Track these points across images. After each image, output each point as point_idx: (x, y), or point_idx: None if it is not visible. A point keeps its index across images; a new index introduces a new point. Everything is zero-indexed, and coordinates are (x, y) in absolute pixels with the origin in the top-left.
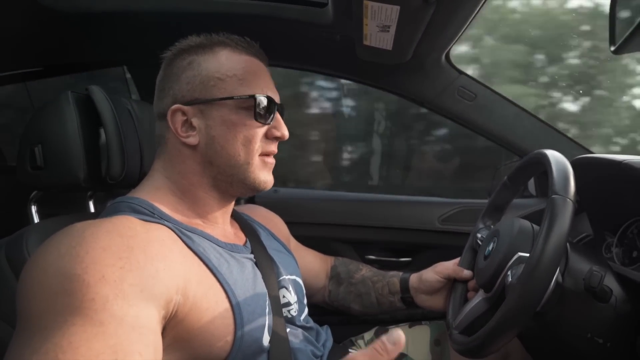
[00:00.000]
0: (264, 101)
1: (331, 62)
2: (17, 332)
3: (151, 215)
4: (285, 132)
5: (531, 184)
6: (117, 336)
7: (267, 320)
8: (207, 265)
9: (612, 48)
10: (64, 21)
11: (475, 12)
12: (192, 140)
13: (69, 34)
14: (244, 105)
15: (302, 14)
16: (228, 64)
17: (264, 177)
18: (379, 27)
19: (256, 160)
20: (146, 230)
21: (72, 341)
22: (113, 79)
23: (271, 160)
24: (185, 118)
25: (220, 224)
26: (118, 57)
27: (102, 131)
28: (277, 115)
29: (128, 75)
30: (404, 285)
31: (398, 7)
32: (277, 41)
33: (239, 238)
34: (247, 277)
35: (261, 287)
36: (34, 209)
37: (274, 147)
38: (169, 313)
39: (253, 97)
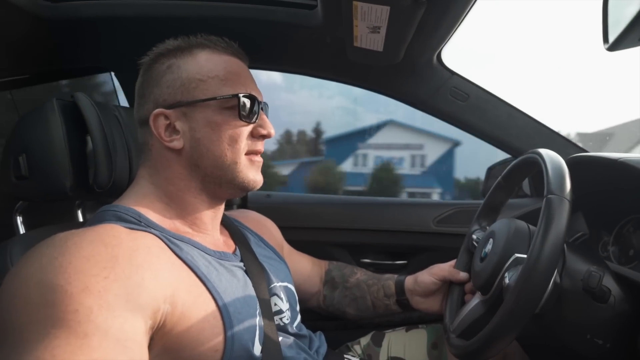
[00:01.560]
0: (247, 100)
1: (322, 64)
2: None
3: (138, 223)
4: (271, 130)
5: (525, 184)
6: (102, 349)
7: (258, 328)
8: (195, 274)
9: (606, 45)
10: (49, 28)
11: (466, 11)
12: (177, 144)
13: (55, 41)
14: (227, 105)
15: (291, 17)
16: (208, 65)
17: (253, 176)
18: (370, 29)
19: (243, 159)
20: (132, 238)
21: (55, 354)
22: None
23: (259, 159)
24: (168, 122)
25: (210, 232)
26: (105, 63)
27: (88, 139)
28: (262, 114)
29: (116, 82)
30: (400, 287)
31: (388, 8)
32: (267, 44)
33: (229, 246)
34: (236, 286)
35: (251, 295)
36: (19, 219)
37: (260, 146)
38: (157, 323)
39: (236, 97)
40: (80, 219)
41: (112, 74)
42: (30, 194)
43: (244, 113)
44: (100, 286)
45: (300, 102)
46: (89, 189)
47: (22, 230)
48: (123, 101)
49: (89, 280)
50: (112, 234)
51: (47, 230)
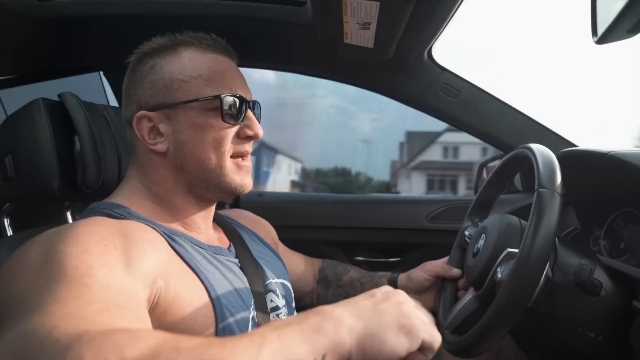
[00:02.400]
0: (231, 100)
1: (313, 62)
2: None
3: (127, 218)
4: (258, 130)
5: (517, 179)
6: (104, 297)
7: (252, 323)
8: (188, 265)
9: (595, 39)
10: (36, 27)
11: (456, 7)
12: (161, 147)
13: (43, 40)
14: (210, 106)
15: (281, 14)
16: (192, 65)
17: (240, 180)
18: (360, 25)
19: (228, 163)
20: (125, 222)
21: (58, 297)
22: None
23: (246, 163)
24: (151, 124)
25: (203, 229)
26: (94, 62)
27: (76, 139)
28: (249, 114)
29: (105, 81)
30: (393, 285)
31: (378, 3)
32: (257, 42)
33: (223, 242)
34: (231, 279)
35: (246, 289)
36: (6, 222)
37: (247, 147)
38: (152, 297)
39: (219, 98)
40: (70, 220)
41: (101, 73)
42: (17, 196)
43: (228, 114)
44: (100, 250)
45: None
46: (78, 190)
47: (9, 232)
48: (112, 100)
49: (90, 245)
50: (106, 219)
51: (36, 232)
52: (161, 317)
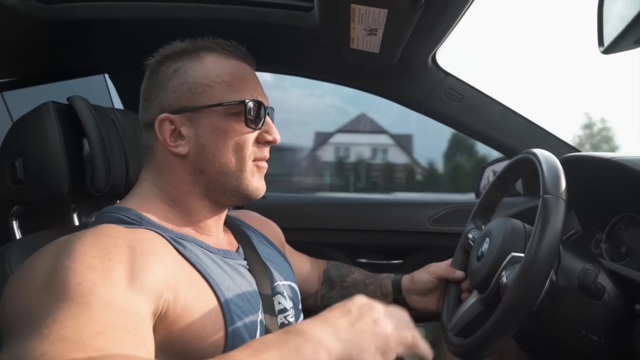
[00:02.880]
0: (253, 106)
1: (318, 66)
2: (4, 345)
3: (139, 224)
4: (277, 136)
5: (518, 182)
6: (104, 316)
7: (260, 326)
8: (198, 271)
9: (601, 48)
10: (42, 29)
11: (462, 13)
12: (182, 149)
13: (49, 43)
14: (233, 111)
15: (288, 19)
16: (215, 70)
17: (257, 183)
18: (366, 31)
19: (249, 166)
20: (134, 232)
21: (57, 318)
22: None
23: (264, 165)
24: (173, 127)
25: (214, 232)
26: (99, 65)
27: (85, 142)
28: (268, 119)
29: (110, 84)
30: (397, 286)
31: (386, 10)
32: (263, 46)
33: (232, 245)
34: (240, 283)
35: (254, 293)
36: (15, 224)
37: (266, 152)
38: (159, 310)
39: (243, 103)
40: (76, 222)
41: (106, 76)
42: (27, 198)
43: (250, 119)
44: (104, 265)
45: None
46: (87, 193)
47: (18, 234)
48: (117, 103)
49: (94, 260)
50: (114, 228)
51: (45, 235)
52: (170, 326)
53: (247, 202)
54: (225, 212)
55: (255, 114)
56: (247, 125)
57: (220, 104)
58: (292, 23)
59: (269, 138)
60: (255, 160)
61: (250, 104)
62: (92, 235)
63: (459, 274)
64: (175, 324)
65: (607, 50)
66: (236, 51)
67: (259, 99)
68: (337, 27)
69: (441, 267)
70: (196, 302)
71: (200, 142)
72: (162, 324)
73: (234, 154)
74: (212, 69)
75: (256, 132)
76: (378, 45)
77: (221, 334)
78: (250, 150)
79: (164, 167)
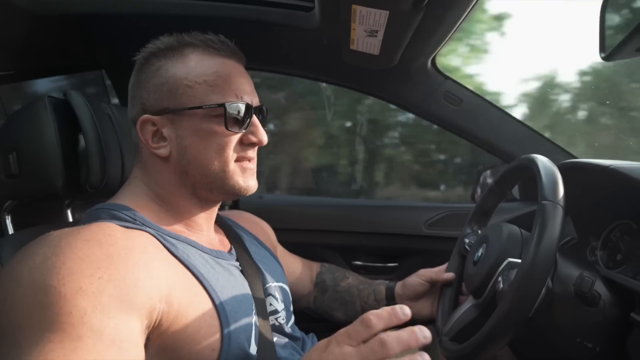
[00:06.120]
0: (236, 108)
1: (317, 66)
2: None
3: (133, 221)
4: (262, 137)
5: (514, 188)
6: (96, 351)
7: (254, 328)
8: (192, 272)
9: (602, 55)
10: (39, 23)
11: (463, 16)
12: (164, 151)
13: (46, 37)
14: (214, 113)
15: (288, 18)
16: (198, 69)
17: (244, 182)
18: (367, 32)
19: (232, 166)
20: (127, 237)
21: (47, 353)
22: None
23: (251, 166)
24: (155, 128)
25: (205, 231)
26: (96, 60)
27: (81, 137)
28: (254, 120)
29: (107, 80)
30: (390, 292)
31: (387, 12)
32: (262, 45)
33: (224, 245)
34: (233, 284)
35: (247, 294)
36: (8, 219)
37: (251, 153)
38: (153, 322)
39: (223, 106)
40: (70, 218)
41: (103, 71)
42: (20, 193)
43: (232, 122)
44: (94, 287)
45: None
46: (81, 189)
47: (10, 229)
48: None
49: (83, 281)
50: (108, 232)
51: (38, 230)
52: (164, 332)
53: (237, 198)
54: (216, 208)
55: (240, 116)
56: (228, 128)
57: (201, 107)
58: (292, 23)
59: (253, 140)
60: (237, 161)
61: (232, 107)
62: (84, 242)
63: (448, 275)
64: (169, 330)
65: (609, 57)
66: (223, 48)
67: (245, 98)
68: (337, 27)
69: (432, 270)
70: (191, 306)
71: (182, 144)
72: (155, 332)
73: (216, 156)
74: (195, 67)
75: (240, 134)
76: (378, 47)
77: (217, 336)
78: (232, 152)
79: (150, 167)
